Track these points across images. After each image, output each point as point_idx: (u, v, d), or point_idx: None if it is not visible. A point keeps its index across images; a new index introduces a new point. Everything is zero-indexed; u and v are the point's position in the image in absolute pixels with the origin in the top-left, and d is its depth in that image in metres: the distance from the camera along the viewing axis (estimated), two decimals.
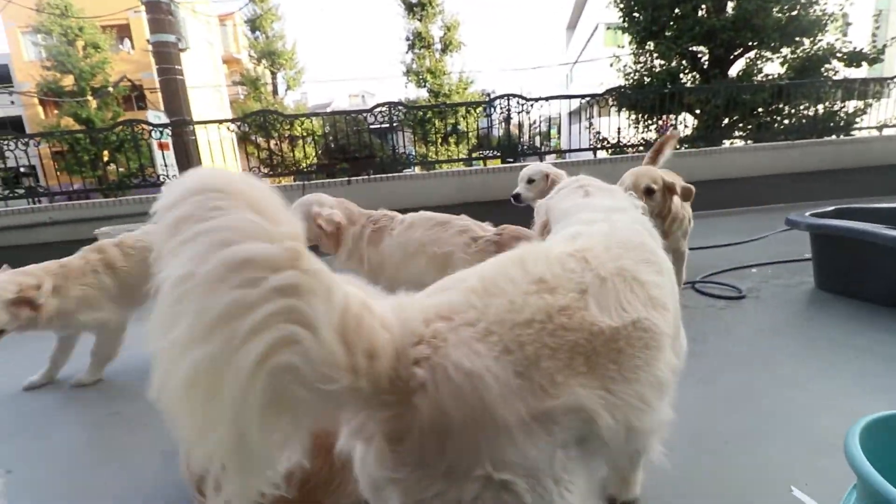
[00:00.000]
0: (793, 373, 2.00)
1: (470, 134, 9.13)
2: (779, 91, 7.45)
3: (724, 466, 1.48)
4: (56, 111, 19.72)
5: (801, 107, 7.82)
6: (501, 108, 6.14)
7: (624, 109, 7.49)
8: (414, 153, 7.72)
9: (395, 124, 6.52)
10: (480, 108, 7.41)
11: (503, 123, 6.73)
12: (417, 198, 5.38)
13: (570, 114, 8.44)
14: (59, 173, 9.67)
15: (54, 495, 1.61)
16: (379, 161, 6.57)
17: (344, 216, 2.32)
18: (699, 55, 9.09)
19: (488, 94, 19.14)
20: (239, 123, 6.68)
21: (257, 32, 20.61)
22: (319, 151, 10.06)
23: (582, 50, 24.64)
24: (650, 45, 9.13)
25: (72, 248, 5.03)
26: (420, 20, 17.61)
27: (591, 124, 6.40)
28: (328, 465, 1.29)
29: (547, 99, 6.09)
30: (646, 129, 8.67)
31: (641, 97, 7.92)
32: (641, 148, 7.19)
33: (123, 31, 21.58)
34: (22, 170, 6.70)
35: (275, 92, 21.44)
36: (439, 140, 11.33)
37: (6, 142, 5.32)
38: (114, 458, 1.80)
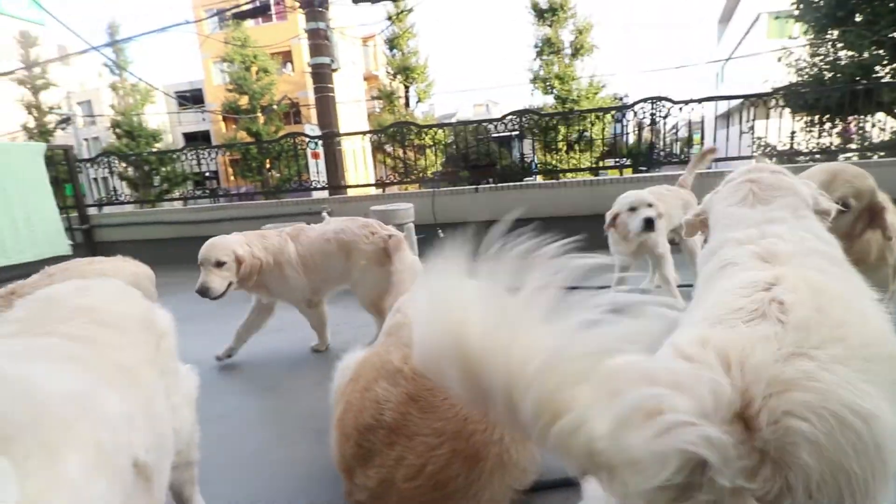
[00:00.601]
0: None
1: (598, 141, 8.64)
2: None
3: None
4: (234, 126, 23.64)
5: None
6: (642, 112, 5.66)
7: (796, 111, 6.34)
8: (536, 162, 7.54)
9: (515, 132, 6.43)
10: (611, 114, 6.94)
11: (637, 130, 6.22)
12: (544, 207, 5.22)
13: (718, 117, 7.46)
14: (233, 178, 11.58)
15: (213, 462, 1.83)
16: (500, 170, 6.55)
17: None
18: None
19: (620, 99, 18.00)
20: (372, 137, 7.31)
21: (394, 50, 22.22)
22: (444, 160, 10.39)
23: (738, 45, 21.86)
24: (833, 33, 7.66)
25: None
26: (550, 26, 17.30)
27: (752, 128, 5.57)
28: (466, 472, 1.26)
29: (700, 101, 5.45)
30: (825, 134, 7.27)
31: (822, 95, 6.64)
32: (819, 155, 6.05)
33: (287, 57, 25.11)
34: (207, 174, 8.11)
35: (406, 104, 22.89)
36: (564, 148, 10.95)
37: (202, 151, 6.48)
38: (271, 430, 2.02)
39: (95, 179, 7.95)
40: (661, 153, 6.16)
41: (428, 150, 7.55)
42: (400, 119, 20.72)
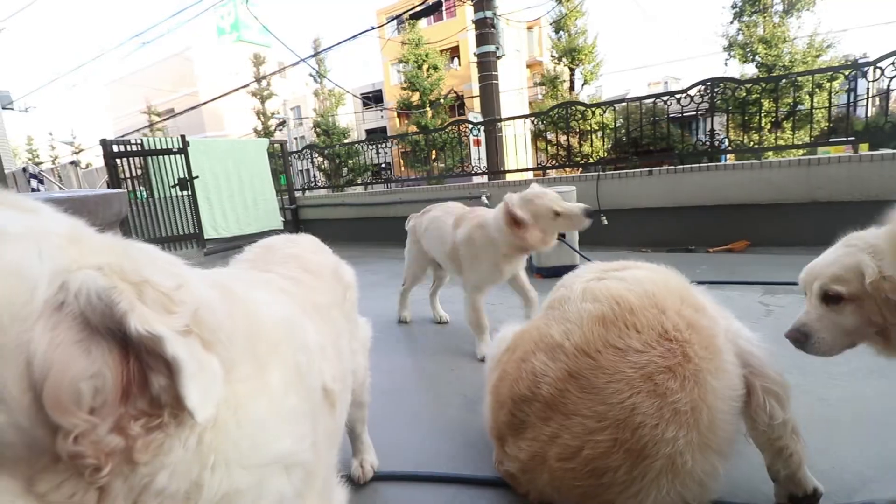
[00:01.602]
0: None
1: (818, 115, 6.96)
2: None
3: None
4: (406, 121, 25.94)
5: None
6: (881, 73, 4.32)
7: None
8: (727, 142, 6.45)
9: (700, 112, 5.48)
10: (841, 80, 5.44)
11: (880, 98, 4.79)
12: (735, 192, 4.43)
13: None
14: (403, 168, 12.72)
15: (376, 412, 2.02)
16: (677, 155, 5.71)
17: None
18: None
19: (855, 61, 14.09)
20: (534, 119, 7.15)
21: (561, 32, 21.42)
22: (609, 146, 9.68)
23: None
24: None
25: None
26: None
27: None
28: (629, 467, 1.14)
29: None
30: None
31: None
32: None
33: (454, 52, 26.40)
34: (383, 165, 9.04)
35: (571, 87, 21.96)
36: (768, 126, 9.14)
37: (376, 144, 7.30)
38: (428, 392, 2.16)
39: (301, 171, 9.61)
40: None
41: (593, 136, 7.12)
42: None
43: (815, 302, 1.21)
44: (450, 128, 6.98)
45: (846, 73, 4.86)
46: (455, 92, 23.75)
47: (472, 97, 20.68)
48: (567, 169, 7.53)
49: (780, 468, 1.20)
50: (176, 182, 6.08)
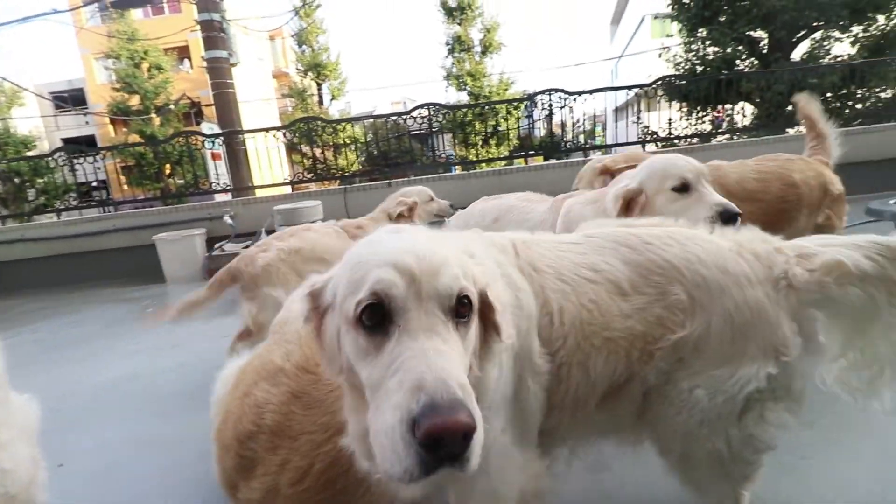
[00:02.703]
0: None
1: (511, 134, 8.94)
2: (851, 73, 6.77)
3: (804, 483, 1.29)
4: (124, 129, 21.35)
5: (878, 89, 7.09)
6: (543, 104, 5.96)
7: (674, 101, 7.06)
8: (454, 156, 7.66)
9: (434, 128, 6.50)
10: (522, 108, 7.24)
11: (545, 122, 6.55)
12: (457, 196, 5.30)
13: (616, 110, 8.09)
14: (127, 186, 10.35)
15: (99, 488, 1.64)
16: (419, 165, 6.58)
17: None
18: (758, 39, 8.46)
19: (529, 95, 18.77)
20: (285, 132, 6.91)
21: (304, 46, 21.38)
22: (362, 158, 10.19)
23: (627, 43, 23.78)
24: (702, 32, 8.60)
25: (133, 254, 5.31)
26: (460, 24, 17.63)
27: (638, 118, 6.09)
28: (357, 468, 1.22)
29: (591, 92, 5.85)
30: (699, 121, 8.15)
31: (693, 87, 7.45)
32: (695, 140, 6.76)
33: (183, 53, 23.08)
34: (94, 184, 7.22)
35: (320, 102, 22.15)
36: (479, 142, 11.23)
37: (77, 157, 5.74)
38: (155, 453, 1.83)
39: None
40: (568, 143, 6.56)
41: (346, 149, 7.37)
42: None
43: None
44: (176, 140, 6.05)
45: (523, 104, 6.43)
46: (189, 98, 20.83)
47: (211, 105, 18.59)
48: (325, 182, 7.58)
49: None
50: None
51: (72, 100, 24.23)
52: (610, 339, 0.97)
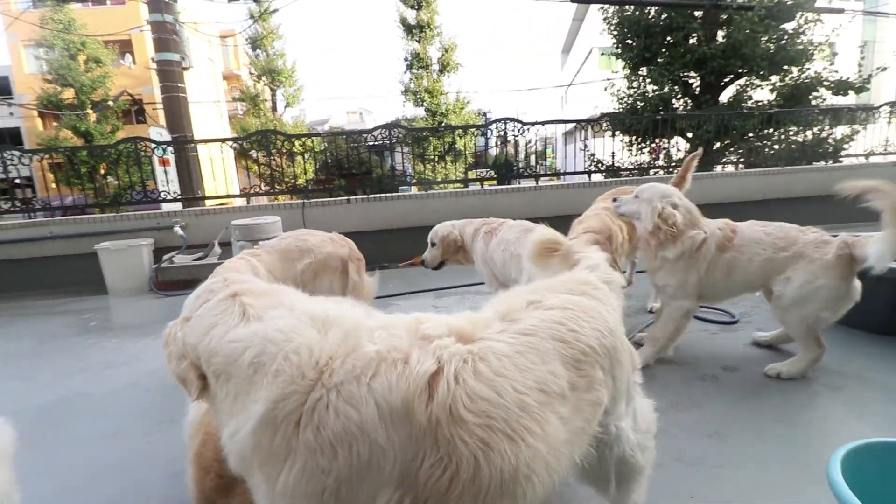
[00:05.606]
0: (783, 400, 2.05)
1: (467, 153, 9.23)
2: (768, 118, 7.65)
3: (720, 491, 1.52)
4: (55, 123, 19.77)
5: (791, 133, 8.02)
6: (499, 130, 6.27)
7: (618, 133, 7.65)
8: (411, 171, 7.82)
9: (393, 143, 6.62)
10: (477, 130, 7.55)
11: (500, 144, 6.86)
12: (414, 217, 5.44)
13: (566, 134, 8.60)
14: (55, 185, 9.60)
15: None
16: (376, 178, 6.67)
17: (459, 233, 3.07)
18: (691, 82, 9.33)
19: (484, 114, 19.43)
20: (233, 144, 6.77)
21: (258, 51, 20.90)
22: (317, 168, 10.11)
23: (576, 73, 25.15)
24: (643, 70, 9.36)
25: (71, 263, 5.00)
26: (419, 41, 17.97)
27: (585, 146, 6.54)
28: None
29: (543, 123, 6.23)
30: (639, 152, 8.84)
31: (635, 122, 8.11)
32: (636, 171, 7.33)
33: (125, 47, 21.80)
34: (17, 181, 6.66)
35: (274, 108, 21.65)
36: (436, 158, 11.48)
37: (9, 157, 5.33)
38: (112, 476, 1.81)
39: None
40: (520, 167, 6.89)
41: (299, 158, 7.27)
42: (267, 123, 19.52)
43: None
44: (123, 145, 5.77)
45: (479, 129, 6.69)
46: (130, 95, 19.67)
47: (154, 104, 17.62)
48: (279, 196, 7.44)
49: None
50: None
51: None
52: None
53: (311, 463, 0.80)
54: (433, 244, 3.13)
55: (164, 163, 6.41)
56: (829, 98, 8.86)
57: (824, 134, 7.76)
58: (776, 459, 1.65)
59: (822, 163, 7.48)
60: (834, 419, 1.91)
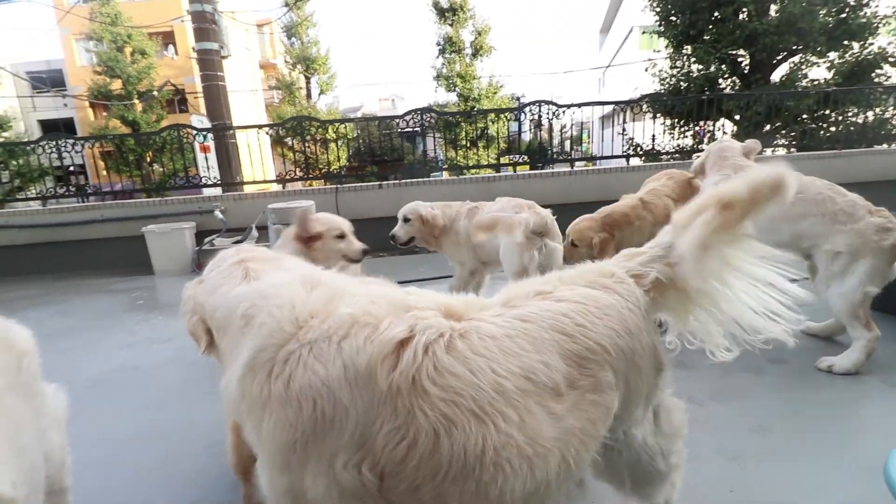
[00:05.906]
0: (834, 395, 1.93)
1: (499, 138, 9.10)
2: (825, 97, 7.13)
3: (762, 486, 1.45)
4: (105, 113, 20.78)
5: (850, 114, 7.47)
6: (532, 113, 6.12)
7: (659, 115, 7.32)
8: (443, 157, 7.77)
9: (424, 128, 6.60)
10: (510, 113, 7.40)
11: (533, 128, 6.71)
12: (449, 200, 5.42)
13: (603, 118, 8.32)
14: (106, 172, 10.10)
15: (100, 478, 1.71)
16: (407, 164, 6.67)
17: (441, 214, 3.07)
18: (739, 60, 8.81)
19: (518, 99, 19.05)
20: (268, 131, 6.92)
21: (293, 39, 21.17)
22: (350, 154, 10.18)
23: (615, 54, 24.23)
24: (687, 49, 8.91)
25: (121, 245, 5.27)
26: (451, 25, 17.71)
27: (624, 130, 6.30)
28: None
29: (579, 105, 6.03)
30: (682, 136, 8.46)
31: (678, 103, 7.73)
32: (677, 155, 7.02)
33: (168, 38, 22.57)
34: (71, 168, 7.04)
35: (308, 96, 21.97)
36: (468, 144, 11.39)
37: (64, 144, 5.65)
38: (156, 444, 1.91)
39: None
40: (555, 152, 6.73)
41: (332, 145, 7.37)
42: (301, 111, 19.84)
43: None
44: (166, 132, 6.00)
45: (511, 112, 6.56)
46: (173, 85, 20.40)
47: (196, 94, 18.22)
48: (313, 182, 7.58)
49: None
50: None
51: (50, 81, 23.44)
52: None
53: (281, 414, 0.83)
54: (406, 220, 3.14)
55: (204, 150, 6.64)
56: (893, 76, 8.17)
57: (888, 115, 7.17)
58: (824, 456, 1.56)
59: (885, 146, 6.93)
60: (892, 417, 1.78)
